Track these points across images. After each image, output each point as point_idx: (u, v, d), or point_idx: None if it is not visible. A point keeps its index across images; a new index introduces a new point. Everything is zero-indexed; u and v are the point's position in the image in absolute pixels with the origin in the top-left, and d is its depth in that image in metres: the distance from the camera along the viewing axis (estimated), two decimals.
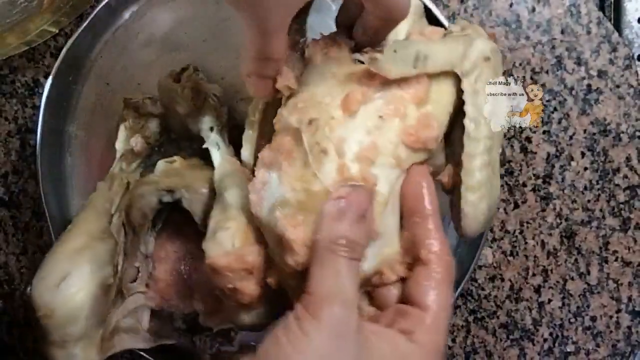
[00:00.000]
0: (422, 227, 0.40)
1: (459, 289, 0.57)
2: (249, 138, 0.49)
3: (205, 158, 0.56)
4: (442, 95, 0.42)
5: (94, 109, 0.60)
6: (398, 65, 0.40)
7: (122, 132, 0.57)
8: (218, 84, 0.56)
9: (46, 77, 0.57)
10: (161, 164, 0.55)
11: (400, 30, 0.44)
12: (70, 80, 0.59)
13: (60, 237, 0.51)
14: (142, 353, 0.56)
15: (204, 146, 0.53)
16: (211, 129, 0.53)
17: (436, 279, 0.38)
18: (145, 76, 0.59)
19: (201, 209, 0.52)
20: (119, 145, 0.56)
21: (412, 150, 0.40)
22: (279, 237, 0.39)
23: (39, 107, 0.57)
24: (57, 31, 0.61)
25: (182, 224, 0.56)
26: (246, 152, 0.49)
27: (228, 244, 0.42)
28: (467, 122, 0.41)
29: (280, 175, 0.40)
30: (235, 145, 0.53)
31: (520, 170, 0.59)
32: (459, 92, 0.42)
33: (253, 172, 0.46)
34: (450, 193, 0.44)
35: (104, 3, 0.57)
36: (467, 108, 0.41)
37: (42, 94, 0.57)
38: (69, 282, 0.48)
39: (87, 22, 0.57)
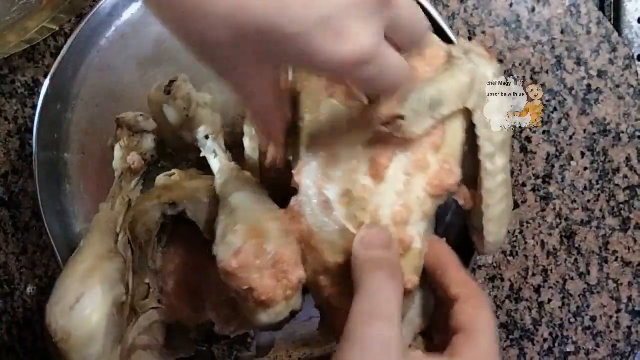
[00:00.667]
0: (446, 276, 0.42)
1: None
2: (250, 133, 0.50)
3: (203, 168, 0.56)
4: (456, 133, 0.43)
5: (86, 133, 0.60)
6: (419, 123, 0.41)
7: (117, 152, 0.57)
8: (207, 92, 0.56)
9: (46, 77, 0.57)
10: (161, 179, 0.55)
11: None
12: (59, 109, 0.59)
13: (68, 263, 0.52)
14: None
15: (202, 155, 0.54)
16: (206, 137, 0.54)
17: (473, 304, 0.40)
18: (134, 93, 0.59)
19: (205, 218, 0.52)
20: (116, 164, 0.57)
21: (436, 198, 0.42)
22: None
23: (35, 112, 0.57)
24: (57, 28, 0.61)
25: (187, 236, 0.56)
26: (249, 148, 0.51)
27: (238, 245, 0.42)
28: (483, 158, 0.43)
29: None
30: (231, 148, 0.54)
31: (520, 170, 0.59)
32: (467, 116, 0.43)
33: (260, 166, 0.49)
34: (466, 212, 0.46)
35: (83, 24, 0.57)
36: (481, 143, 0.43)
37: (40, 94, 0.57)
38: (83, 304, 0.48)
39: (67, 48, 0.57)
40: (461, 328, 0.39)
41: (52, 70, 0.57)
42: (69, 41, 0.57)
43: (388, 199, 0.41)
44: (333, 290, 0.43)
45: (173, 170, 0.56)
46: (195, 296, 0.55)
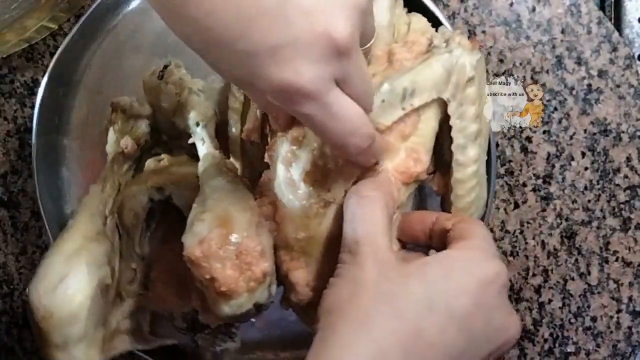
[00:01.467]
0: (439, 221, 0.44)
1: None
2: (233, 107, 0.52)
3: (195, 155, 0.56)
4: (428, 122, 0.43)
5: (86, 119, 0.60)
6: (388, 114, 0.41)
7: (111, 135, 0.57)
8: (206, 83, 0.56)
9: (44, 75, 0.57)
10: (150, 163, 0.55)
11: (382, 19, 0.44)
12: (61, 94, 0.59)
13: (55, 241, 0.51)
14: (140, 354, 0.56)
15: (190, 141, 0.53)
16: (197, 124, 0.53)
17: (467, 221, 0.42)
18: (137, 83, 0.58)
19: (190, 205, 0.52)
20: (109, 148, 0.56)
21: (405, 185, 0.43)
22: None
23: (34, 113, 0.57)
24: (55, 27, 0.61)
25: (175, 223, 0.56)
26: (232, 121, 0.52)
27: (204, 234, 0.42)
28: (455, 149, 0.43)
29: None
30: (220, 138, 0.54)
31: (521, 170, 0.59)
32: (443, 106, 0.43)
33: (242, 144, 0.50)
34: (441, 197, 0.47)
35: (88, 13, 0.57)
36: (454, 134, 0.43)
37: (45, 75, 0.57)
38: (67, 284, 0.47)
39: (72, 33, 0.57)
40: (456, 237, 0.40)
41: (58, 53, 0.57)
42: (76, 26, 0.57)
43: (352, 178, 0.42)
44: (292, 264, 0.44)
45: (162, 155, 0.55)
46: (181, 284, 0.55)
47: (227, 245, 0.42)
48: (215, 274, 0.42)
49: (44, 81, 0.57)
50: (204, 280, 0.42)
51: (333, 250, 0.41)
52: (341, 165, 0.42)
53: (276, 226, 0.44)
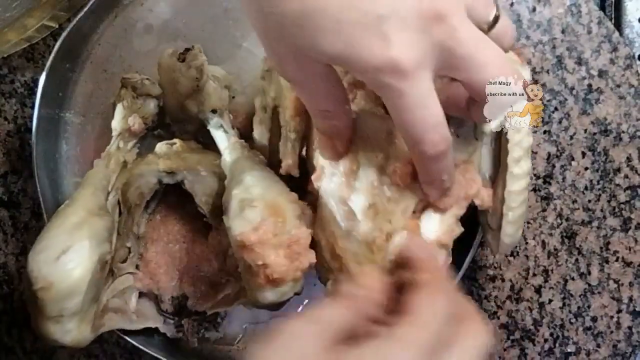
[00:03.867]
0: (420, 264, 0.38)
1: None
2: (259, 120, 0.51)
3: (200, 141, 0.57)
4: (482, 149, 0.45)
5: (90, 95, 0.60)
6: (467, 149, 0.43)
7: (119, 111, 0.56)
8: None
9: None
10: (161, 146, 0.55)
11: None
12: (68, 68, 0.59)
13: (57, 212, 0.51)
14: (133, 342, 0.57)
15: (208, 128, 0.54)
16: (213, 111, 0.53)
17: (427, 291, 0.35)
18: (143, 64, 0.59)
19: (203, 191, 0.53)
20: (116, 124, 0.56)
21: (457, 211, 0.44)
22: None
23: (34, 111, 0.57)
24: (56, 26, 0.61)
25: (175, 207, 0.57)
26: (258, 133, 0.52)
27: (258, 220, 0.43)
28: (510, 162, 0.44)
29: None
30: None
31: None
32: None
33: (267, 151, 0.50)
34: (482, 211, 0.47)
35: None
36: (511, 147, 0.44)
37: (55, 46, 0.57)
38: (69, 257, 0.47)
39: (86, 9, 0.56)
40: (404, 310, 0.33)
41: (70, 26, 0.56)
42: (92, 0, 0.57)
43: (412, 206, 0.42)
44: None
45: (175, 140, 0.56)
46: (174, 268, 0.56)
47: (281, 234, 0.43)
48: (268, 260, 0.43)
49: (54, 51, 0.56)
50: (254, 265, 0.43)
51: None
52: (402, 190, 0.42)
53: (336, 258, 0.44)
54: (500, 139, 0.45)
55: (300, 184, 0.48)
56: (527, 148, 0.44)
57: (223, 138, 0.53)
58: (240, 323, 0.59)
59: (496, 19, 0.38)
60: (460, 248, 0.50)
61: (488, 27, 0.38)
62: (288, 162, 0.48)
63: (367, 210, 0.42)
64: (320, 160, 0.44)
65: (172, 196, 0.57)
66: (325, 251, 0.45)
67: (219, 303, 0.54)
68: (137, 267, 0.55)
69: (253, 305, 0.45)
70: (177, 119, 0.56)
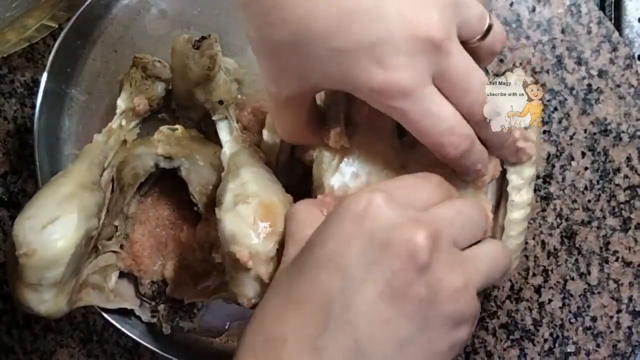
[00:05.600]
0: None
1: None
2: (269, 125, 0.51)
3: (202, 131, 0.57)
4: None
5: (98, 74, 0.60)
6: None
7: (126, 90, 0.57)
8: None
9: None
10: (163, 130, 0.55)
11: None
12: (79, 44, 0.59)
13: (50, 181, 0.51)
14: (132, 336, 0.57)
15: (213, 118, 0.54)
16: (220, 102, 0.54)
17: None
18: (154, 48, 0.59)
19: (198, 181, 0.53)
20: (121, 101, 0.56)
21: None
22: None
23: (35, 111, 0.57)
24: (56, 26, 0.61)
25: (168, 192, 0.57)
26: (267, 136, 0.51)
27: (249, 218, 0.43)
28: (511, 190, 0.44)
29: None
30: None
31: None
32: None
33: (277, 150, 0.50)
34: None
35: None
36: (511, 176, 0.44)
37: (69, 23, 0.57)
38: (56, 227, 0.47)
39: None
40: None
41: (85, 5, 0.57)
42: None
43: None
44: None
45: (177, 126, 0.56)
46: (158, 251, 0.56)
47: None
48: (260, 272, 0.43)
49: (66, 28, 0.57)
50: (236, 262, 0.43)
51: None
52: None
53: None
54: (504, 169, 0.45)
55: (297, 189, 0.48)
56: (529, 177, 0.44)
57: (226, 130, 0.54)
58: (212, 317, 0.59)
59: (489, 28, 0.38)
60: None
61: (482, 37, 0.38)
62: (336, 130, 0.45)
63: None
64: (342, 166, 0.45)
65: (166, 181, 0.57)
66: None
67: (198, 294, 0.54)
68: (121, 246, 0.56)
69: (234, 300, 0.45)
70: (183, 105, 0.56)
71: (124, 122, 0.56)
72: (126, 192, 0.54)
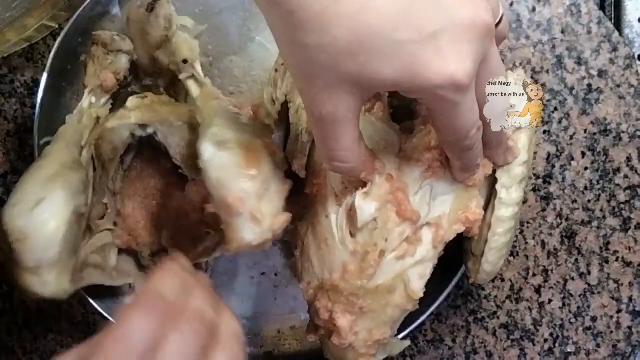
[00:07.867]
0: None
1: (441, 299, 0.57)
2: (266, 114, 0.52)
3: (172, 96, 0.57)
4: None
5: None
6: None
7: (90, 68, 0.56)
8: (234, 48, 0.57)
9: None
10: (133, 100, 0.55)
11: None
12: (79, 44, 0.59)
13: (30, 167, 0.50)
14: None
15: (180, 78, 0.54)
16: (185, 61, 0.53)
17: None
18: None
19: (177, 143, 0.52)
20: (87, 81, 0.56)
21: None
22: None
23: (35, 111, 0.57)
24: (56, 26, 0.61)
25: (151, 161, 0.57)
26: (267, 100, 0.52)
27: (232, 161, 0.43)
28: (499, 188, 0.45)
29: None
30: None
31: None
32: None
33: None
34: (466, 238, 0.48)
35: None
36: (499, 174, 0.45)
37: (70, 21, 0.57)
38: (43, 208, 0.46)
39: None
40: None
41: (83, 5, 0.57)
42: None
43: (409, 231, 0.44)
44: (338, 308, 0.44)
45: (145, 93, 0.55)
46: (152, 222, 0.56)
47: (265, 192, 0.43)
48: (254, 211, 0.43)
49: (66, 28, 0.57)
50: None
51: (381, 299, 0.43)
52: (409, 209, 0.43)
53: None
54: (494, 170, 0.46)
55: (295, 186, 0.48)
56: (517, 176, 0.44)
57: (195, 87, 0.53)
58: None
59: (501, 16, 0.39)
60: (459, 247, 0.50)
61: (498, 22, 0.39)
62: (300, 162, 0.48)
63: (371, 220, 0.43)
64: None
65: (147, 151, 0.56)
66: (313, 256, 0.46)
67: (200, 255, 0.54)
68: (115, 224, 0.55)
69: (233, 250, 0.44)
70: (149, 72, 0.56)
71: (93, 100, 0.56)
72: (108, 167, 0.54)
